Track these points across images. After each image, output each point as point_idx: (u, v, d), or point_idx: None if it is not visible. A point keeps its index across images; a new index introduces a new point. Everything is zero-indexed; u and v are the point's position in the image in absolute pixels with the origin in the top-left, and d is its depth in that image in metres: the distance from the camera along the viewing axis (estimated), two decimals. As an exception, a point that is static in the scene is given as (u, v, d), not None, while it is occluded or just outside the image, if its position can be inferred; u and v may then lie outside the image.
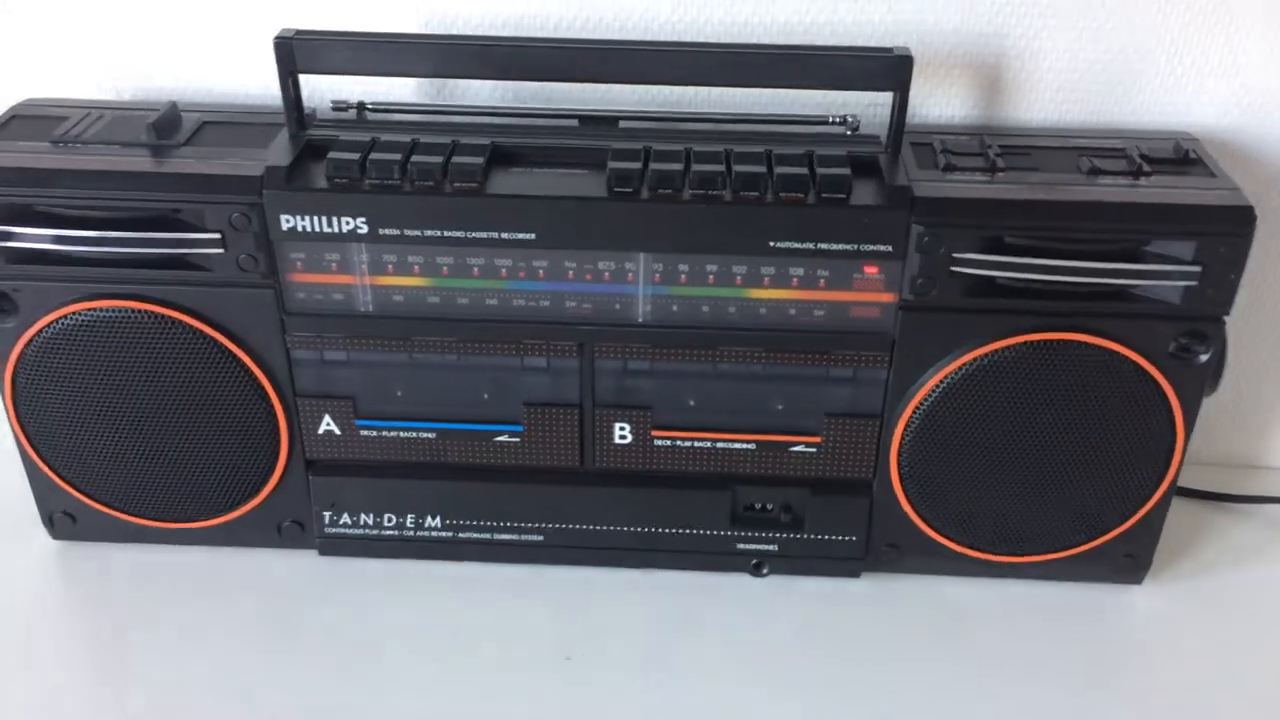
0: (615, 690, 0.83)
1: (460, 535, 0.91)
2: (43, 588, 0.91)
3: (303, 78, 0.80)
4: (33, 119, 0.85)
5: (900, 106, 0.79)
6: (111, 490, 0.89)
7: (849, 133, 0.84)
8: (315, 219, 0.78)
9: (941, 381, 0.81)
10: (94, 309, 0.81)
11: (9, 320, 0.82)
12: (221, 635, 0.86)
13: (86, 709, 0.81)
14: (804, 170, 0.78)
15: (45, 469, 0.88)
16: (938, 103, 0.91)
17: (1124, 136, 0.85)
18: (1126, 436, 0.82)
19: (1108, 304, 0.79)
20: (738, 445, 0.87)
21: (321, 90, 0.89)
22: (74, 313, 0.81)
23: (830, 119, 0.85)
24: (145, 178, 0.78)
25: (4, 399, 0.85)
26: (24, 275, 0.81)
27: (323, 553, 0.92)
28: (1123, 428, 0.82)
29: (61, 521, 0.92)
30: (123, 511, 0.90)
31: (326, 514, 0.90)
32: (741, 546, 0.90)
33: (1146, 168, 0.80)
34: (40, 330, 0.82)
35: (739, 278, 0.80)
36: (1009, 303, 0.79)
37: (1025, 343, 0.79)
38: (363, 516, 0.90)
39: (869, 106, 0.90)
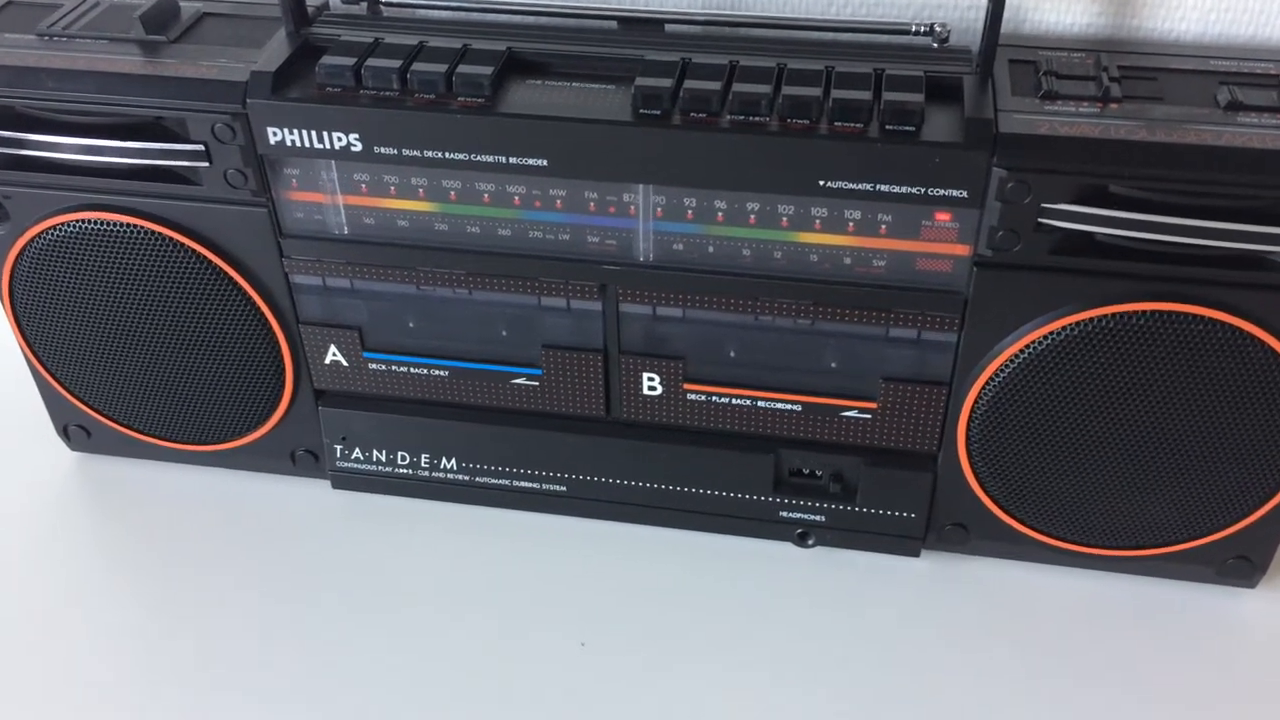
0: (632, 654, 0.76)
1: (478, 480, 0.83)
2: (60, 498, 0.88)
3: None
4: (28, 5, 0.78)
5: (994, 17, 0.64)
6: (119, 407, 0.85)
7: (935, 45, 0.70)
8: (304, 133, 0.69)
9: (1023, 351, 0.69)
10: (84, 220, 0.75)
11: (1, 227, 0.77)
12: (226, 557, 0.83)
13: (88, 617, 0.79)
14: (866, 95, 0.64)
15: (53, 381, 0.84)
16: (1055, 6, 0.75)
17: (1282, 58, 0.69)
18: (1250, 427, 0.69)
19: (1237, 272, 0.64)
20: (781, 405, 0.76)
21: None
22: (65, 223, 0.76)
23: (914, 28, 0.71)
24: (122, 80, 0.70)
25: (6, 310, 0.81)
26: (13, 181, 0.75)
27: (335, 486, 0.86)
28: (1246, 417, 0.69)
29: (76, 434, 0.88)
30: (132, 429, 0.86)
31: (338, 447, 0.84)
32: (785, 515, 0.80)
33: (1304, 101, 0.64)
34: (32, 240, 0.77)
35: (785, 219, 0.68)
36: (1110, 264, 0.65)
37: (1129, 313, 0.66)
38: (375, 453, 0.84)
39: (969, 9, 0.75)
